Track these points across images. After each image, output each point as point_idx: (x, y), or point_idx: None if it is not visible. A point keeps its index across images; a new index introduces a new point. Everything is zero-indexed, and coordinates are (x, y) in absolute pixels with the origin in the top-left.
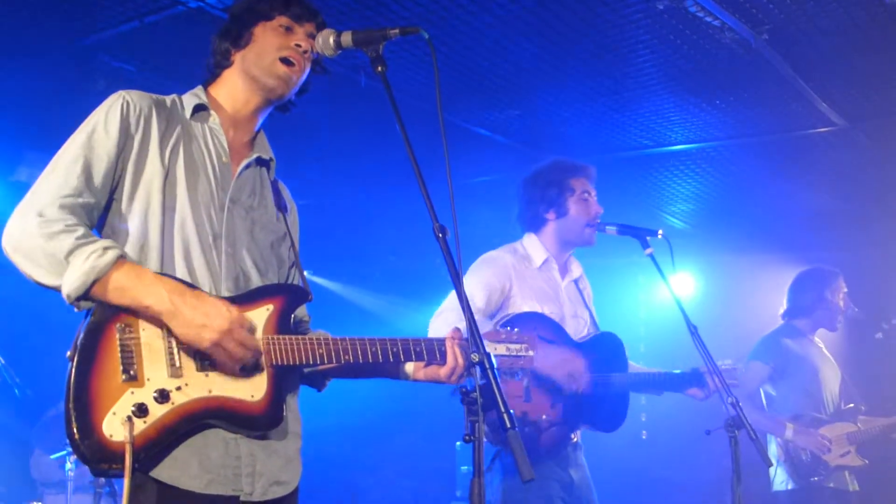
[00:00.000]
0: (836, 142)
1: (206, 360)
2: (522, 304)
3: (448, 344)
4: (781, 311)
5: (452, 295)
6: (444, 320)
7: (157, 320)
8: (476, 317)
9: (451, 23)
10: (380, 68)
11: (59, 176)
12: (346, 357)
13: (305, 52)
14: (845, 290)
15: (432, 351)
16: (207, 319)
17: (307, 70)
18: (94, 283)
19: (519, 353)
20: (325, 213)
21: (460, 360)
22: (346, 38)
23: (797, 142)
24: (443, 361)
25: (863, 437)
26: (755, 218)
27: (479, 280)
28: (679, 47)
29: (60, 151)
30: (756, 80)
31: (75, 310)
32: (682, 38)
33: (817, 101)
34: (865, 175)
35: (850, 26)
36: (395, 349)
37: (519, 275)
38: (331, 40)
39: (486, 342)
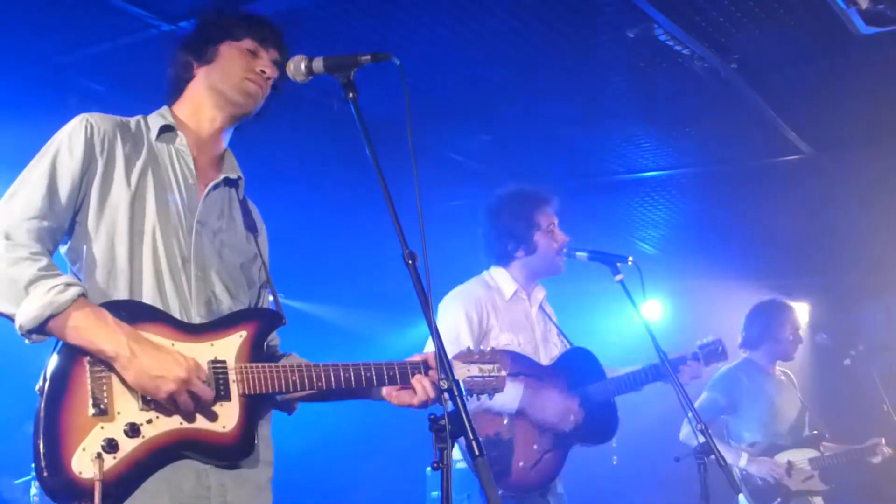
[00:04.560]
0: (805, 170)
1: None
2: (500, 335)
3: (415, 380)
4: (738, 341)
5: (443, 326)
6: None
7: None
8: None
9: (423, 49)
10: (351, 94)
11: (24, 197)
12: (320, 384)
13: (269, 78)
14: (797, 323)
15: (406, 375)
16: (165, 370)
17: (267, 95)
18: (50, 318)
19: (491, 374)
20: (297, 235)
21: (430, 394)
22: (318, 63)
23: (766, 169)
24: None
25: (826, 463)
26: (724, 244)
27: (459, 316)
28: (649, 75)
29: (24, 173)
30: (725, 108)
31: (26, 341)
32: (653, 66)
33: (786, 130)
34: (833, 203)
35: (818, 56)
36: (368, 374)
37: (494, 307)
38: (302, 66)
39: (458, 363)
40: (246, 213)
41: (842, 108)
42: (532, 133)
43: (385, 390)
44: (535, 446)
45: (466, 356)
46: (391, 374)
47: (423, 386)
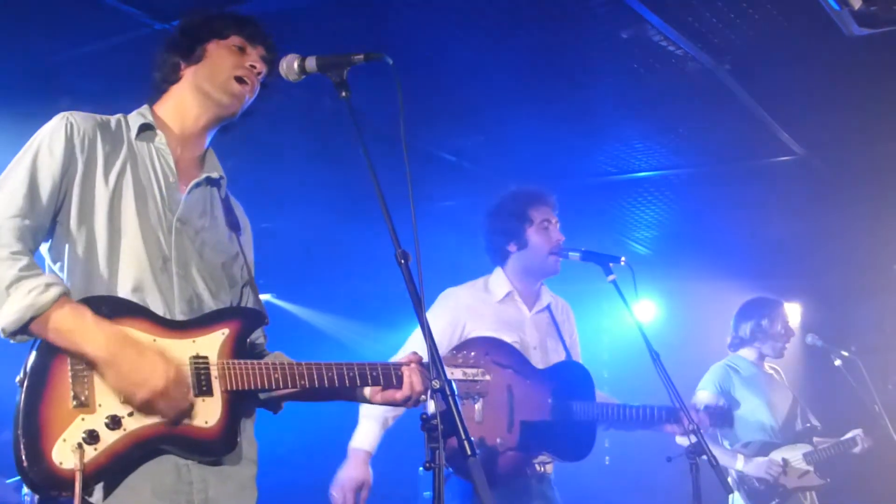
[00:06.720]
0: (797, 170)
1: None
2: (483, 333)
3: (405, 371)
4: (727, 341)
5: (417, 331)
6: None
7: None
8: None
9: (416, 48)
10: (344, 93)
11: (5, 197)
12: (303, 382)
13: (259, 73)
14: (786, 318)
15: (389, 376)
16: (143, 378)
17: (257, 91)
18: (31, 319)
19: (476, 378)
20: (289, 237)
21: (416, 387)
22: (311, 63)
23: (759, 170)
24: (399, 386)
25: (820, 457)
26: (717, 244)
27: (438, 320)
28: (643, 76)
29: (5, 172)
30: (718, 109)
31: (11, 341)
32: (646, 67)
33: (778, 131)
34: (825, 203)
35: (810, 57)
36: (350, 374)
37: (473, 312)
38: (295, 65)
39: None
40: (229, 212)
41: (834, 109)
42: (525, 133)
43: (369, 390)
44: (499, 440)
45: (450, 360)
46: (374, 374)
47: (410, 381)
